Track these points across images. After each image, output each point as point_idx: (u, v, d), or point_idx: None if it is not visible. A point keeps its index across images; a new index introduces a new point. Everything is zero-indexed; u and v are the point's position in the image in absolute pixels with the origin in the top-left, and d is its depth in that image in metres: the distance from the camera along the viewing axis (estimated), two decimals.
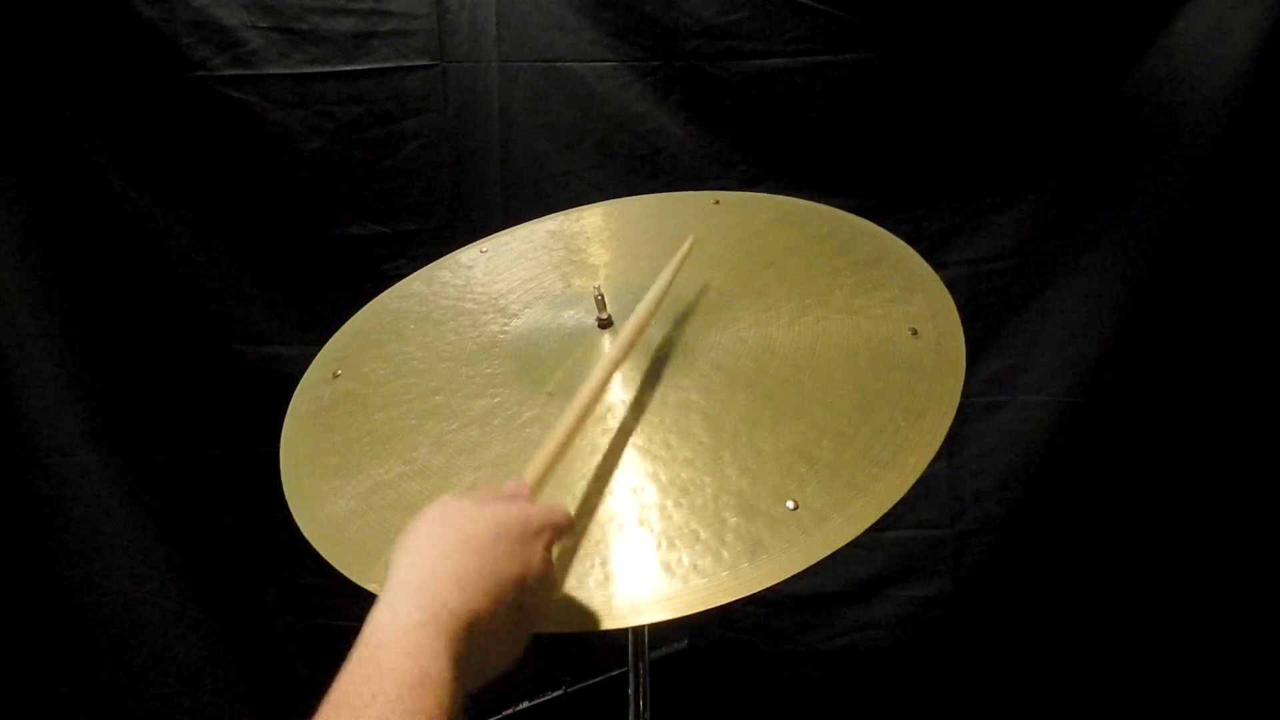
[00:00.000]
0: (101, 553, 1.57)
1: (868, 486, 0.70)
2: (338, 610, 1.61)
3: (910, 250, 0.93)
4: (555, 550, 0.65)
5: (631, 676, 0.93)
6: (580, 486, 0.73)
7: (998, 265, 1.53)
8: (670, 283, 0.88)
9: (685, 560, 0.67)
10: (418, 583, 0.55)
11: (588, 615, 0.66)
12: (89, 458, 1.55)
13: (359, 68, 1.48)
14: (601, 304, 0.87)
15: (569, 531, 0.66)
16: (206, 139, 1.49)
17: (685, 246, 0.93)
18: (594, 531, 0.70)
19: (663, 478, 0.73)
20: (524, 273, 1.02)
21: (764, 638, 1.64)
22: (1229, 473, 1.51)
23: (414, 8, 1.48)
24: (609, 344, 0.86)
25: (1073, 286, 1.52)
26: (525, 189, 1.54)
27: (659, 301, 0.85)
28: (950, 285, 0.87)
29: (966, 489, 1.58)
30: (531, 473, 0.67)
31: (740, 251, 0.98)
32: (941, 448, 0.72)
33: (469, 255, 1.08)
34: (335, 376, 0.94)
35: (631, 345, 0.80)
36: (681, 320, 0.88)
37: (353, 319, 1.03)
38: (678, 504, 0.71)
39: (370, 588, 0.72)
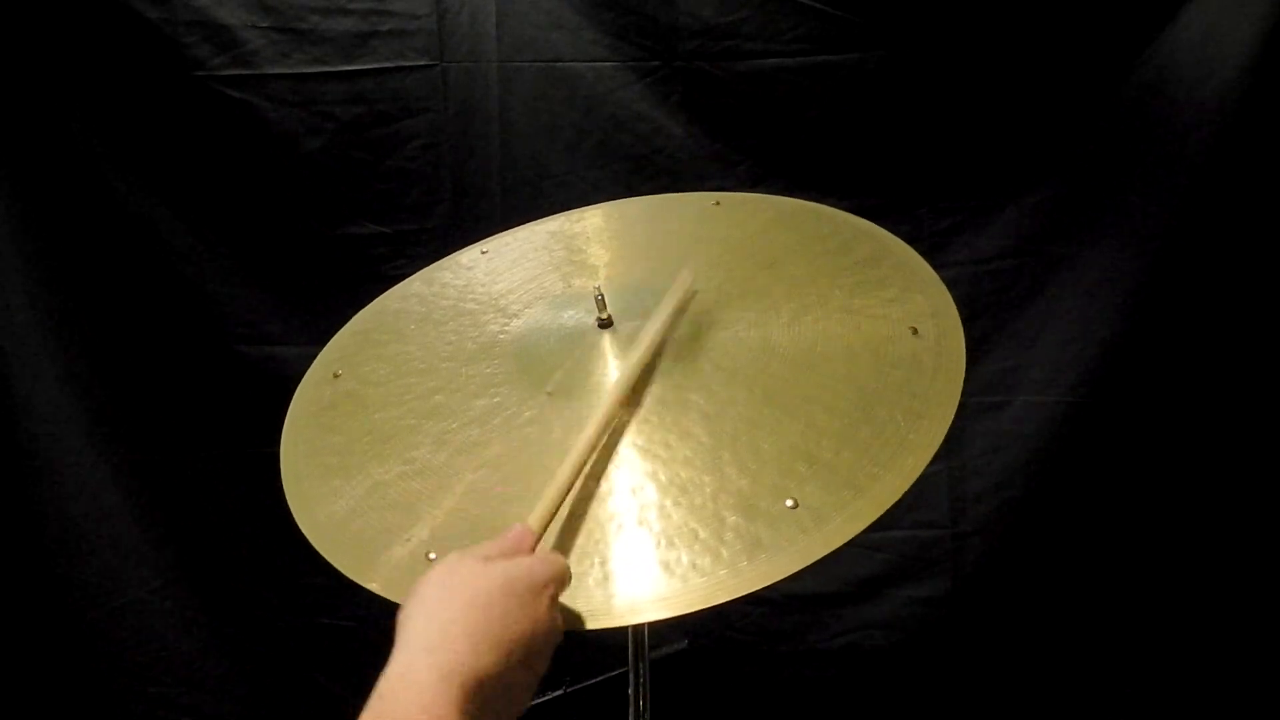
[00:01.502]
0: (101, 553, 1.57)
1: (867, 486, 0.70)
2: (337, 610, 1.61)
3: (910, 250, 0.93)
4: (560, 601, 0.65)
5: (631, 676, 0.93)
6: (579, 486, 0.73)
7: (998, 265, 1.53)
8: (667, 324, 0.85)
9: (684, 559, 0.67)
10: (431, 643, 0.56)
11: (587, 615, 0.66)
12: (89, 457, 1.55)
13: (359, 68, 1.48)
14: (602, 304, 0.87)
15: (568, 583, 0.66)
16: (207, 139, 1.49)
17: (684, 278, 0.90)
18: (594, 531, 0.70)
19: (662, 477, 0.73)
20: (524, 273, 1.02)
21: (764, 638, 1.64)
22: (1229, 473, 1.51)
23: (414, 8, 1.48)
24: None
25: (1073, 286, 1.52)
26: (525, 189, 1.54)
27: (658, 345, 0.83)
28: (950, 285, 0.87)
29: (966, 489, 1.58)
30: (537, 519, 0.67)
31: (740, 252, 0.98)
32: (941, 448, 0.72)
33: (469, 256, 1.08)
34: (336, 376, 0.94)
35: (631, 384, 0.79)
36: (681, 320, 0.88)
37: (353, 319, 1.03)
38: (677, 503, 0.71)
39: (370, 587, 0.72)
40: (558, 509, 0.69)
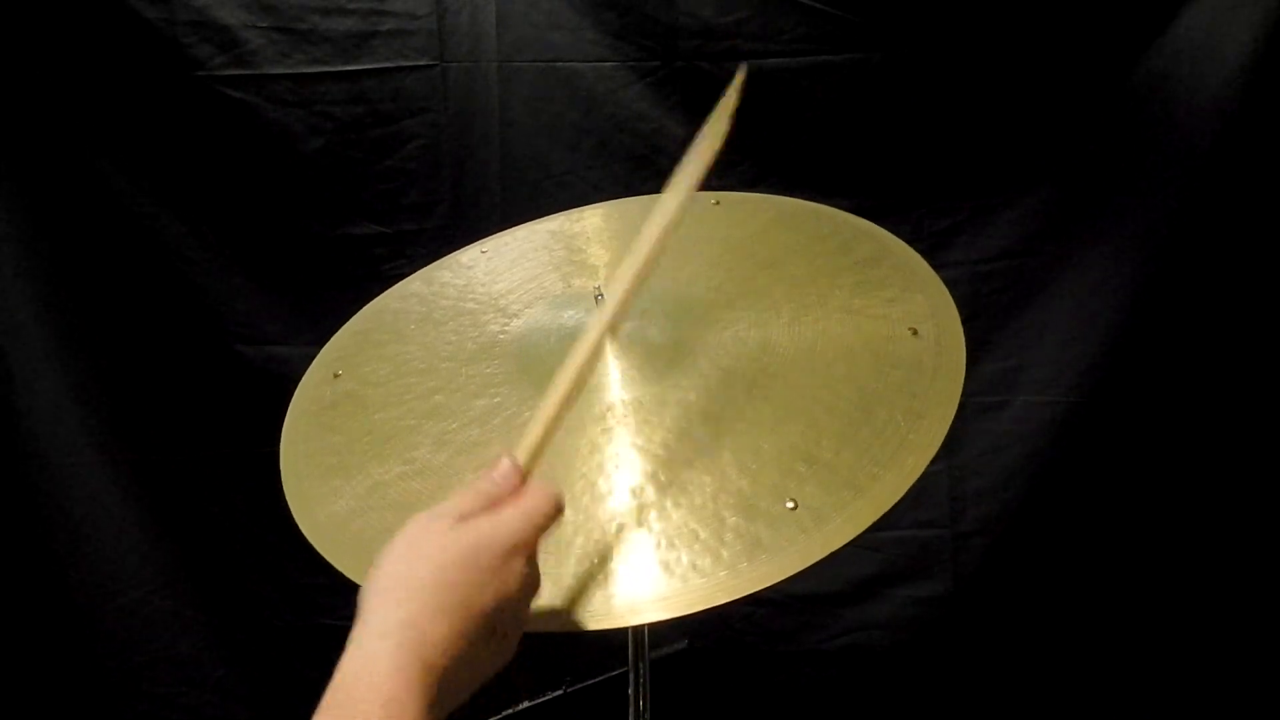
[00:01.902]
0: (101, 552, 1.57)
1: (867, 486, 0.69)
2: (338, 610, 1.61)
3: (910, 250, 0.93)
4: (543, 546, 0.62)
5: (631, 676, 0.93)
6: (579, 486, 0.73)
7: (998, 265, 1.53)
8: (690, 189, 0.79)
9: (684, 560, 0.67)
10: (389, 624, 0.54)
11: (587, 615, 0.66)
12: (90, 458, 1.55)
13: (359, 68, 1.48)
14: (602, 304, 0.87)
15: (559, 516, 0.62)
16: (207, 139, 1.49)
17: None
18: (593, 531, 0.70)
19: (662, 477, 0.73)
20: (524, 273, 1.02)
21: (764, 638, 1.64)
22: (1229, 473, 1.51)
23: (414, 8, 1.48)
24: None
25: (1073, 286, 1.52)
26: (525, 189, 1.54)
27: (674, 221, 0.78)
28: (950, 285, 0.87)
29: (966, 489, 1.58)
30: (524, 452, 0.63)
31: (740, 252, 0.98)
32: (941, 448, 0.72)
33: (469, 255, 1.08)
34: (336, 377, 0.94)
35: (636, 287, 0.73)
36: (681, 320, 0.88)
37: (353, 319, 1.03)
38: (677, 504, 0.71)
39: None
40: (548, 436, 0.65)
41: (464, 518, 0.58)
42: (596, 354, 0.70)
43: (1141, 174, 1.46)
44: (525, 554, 0.59)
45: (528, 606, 0.60)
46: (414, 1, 1.47)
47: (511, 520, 0.59)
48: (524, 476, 0.63)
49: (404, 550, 0.57)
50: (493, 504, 0.60)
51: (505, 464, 0.62)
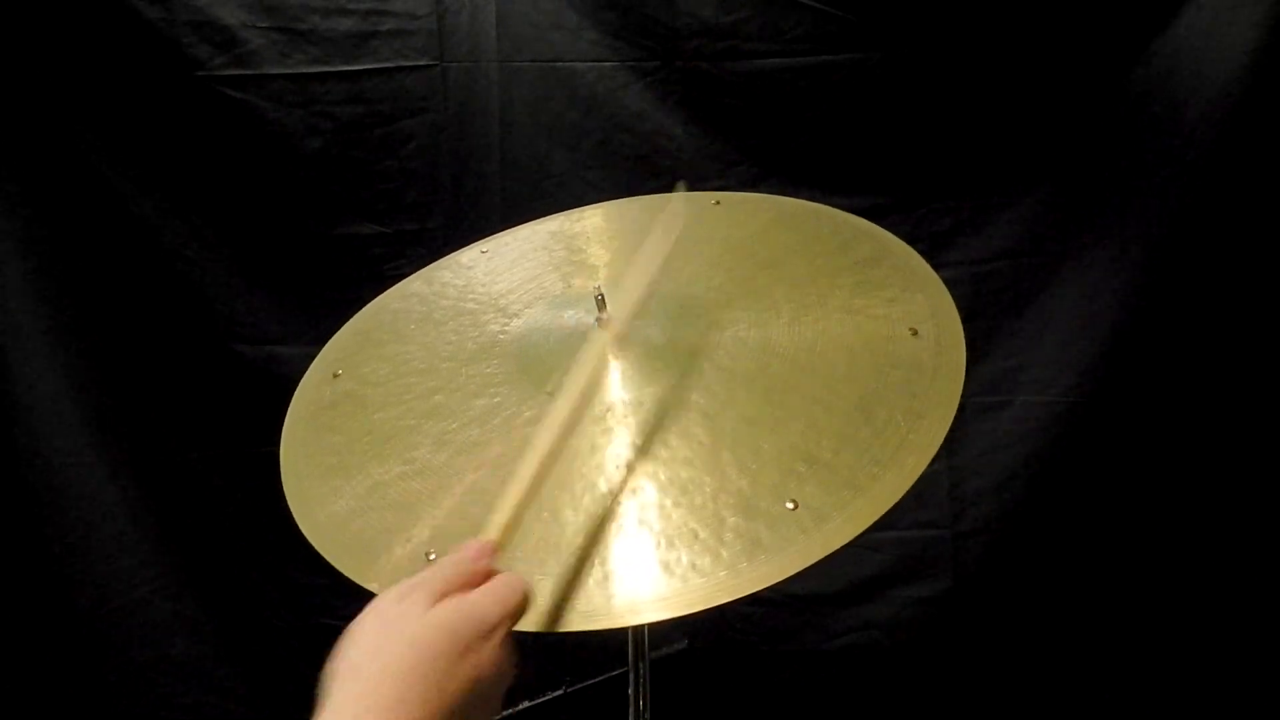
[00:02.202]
0: (101, 553, 1.57)
1: (867, 486, 0.69)
2: (338, 610, 1.61)
3: (910, 250, 0.93)
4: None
5: (631, 676, 0.93)
6: (579, 486, 0.73)
7: (998, 265, 1.53)
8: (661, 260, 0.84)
9: (684, 559, 0.67)
10: (357, 707, 0.51)
11: (587, 615, 0.66)
12: (90, 457, 1.55)
13: (359, 68, 1.48)
14: (601, 304, 0.87)
15: (527, 610, 0.61)
16: (207, 139, 1.49)
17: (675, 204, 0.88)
18: (593, 531, 0.70)
19: (662, 477, 0.73)
20: (524, 273, 1.02)
21: (764, 638, 1.64)
22: (1229, 473, 1.51)
23: (414, 8, 1.48)
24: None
25: (1073, 286, 1.52)
26: (525, 189, 1.54)
27: (653, 280, 0.82)
28: (950, 285, 0.87)
29: (966, 489, 1.58)
30: (495, 530, 0.63)
31: (740, 252, 0.98)
32: (941, 448, 0.72)
33: (469, 255, 1.08)
34: (335, 376, 0.94)
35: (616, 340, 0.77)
36: (681, 320, 0.88)
37: (353, 319, 1.03)
38: (677, 503, 0.71)
39: (370, 587, 0.72)
40: (522, 511, 0.65)
41: (435, 597, 0.57)
42: (565, 435, 0.70)
43: (1141, 174, 1.46)
44: (499, 638, 0.57)
45: (500, 692, 0.59)
46: (414, 1, 1.48)
47: (485, 604, 0.58)
48: (495, 551, 0.62)
49: (375, 629, 0.56)
50: (464, 584, 0.59)
51: (474, 547, 0.61)
